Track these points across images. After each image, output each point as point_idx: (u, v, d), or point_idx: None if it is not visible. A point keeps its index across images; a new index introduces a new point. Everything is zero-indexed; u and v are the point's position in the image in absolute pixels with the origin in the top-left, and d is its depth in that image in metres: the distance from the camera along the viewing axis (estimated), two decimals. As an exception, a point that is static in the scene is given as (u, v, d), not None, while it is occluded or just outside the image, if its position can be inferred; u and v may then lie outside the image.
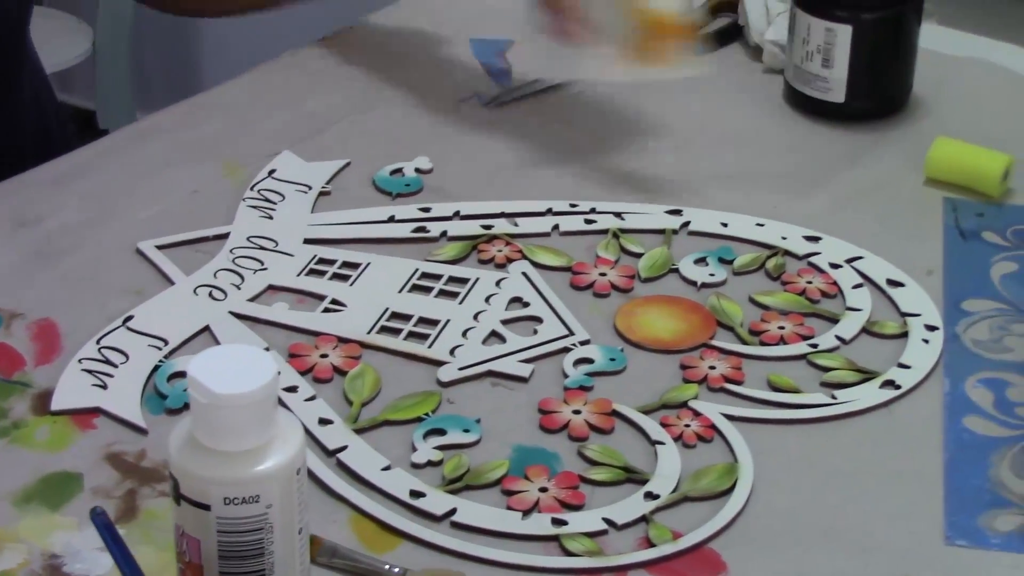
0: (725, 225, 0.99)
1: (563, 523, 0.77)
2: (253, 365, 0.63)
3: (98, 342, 0.87)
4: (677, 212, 1.00)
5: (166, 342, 0.87)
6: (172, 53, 2.10)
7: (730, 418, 0.83)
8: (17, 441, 0.81)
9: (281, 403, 0.82)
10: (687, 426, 0.83)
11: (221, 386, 0.62)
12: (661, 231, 0.98)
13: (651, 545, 0.76)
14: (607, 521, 0.77)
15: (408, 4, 1.25)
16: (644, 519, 0.77)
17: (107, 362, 0.86)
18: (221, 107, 1.11)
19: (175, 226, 0.97)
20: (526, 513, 0.77)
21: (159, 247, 0.95)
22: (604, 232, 0.98)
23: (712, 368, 0.87)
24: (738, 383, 0.86)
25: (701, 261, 0.96)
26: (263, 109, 1.11)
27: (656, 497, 0.78)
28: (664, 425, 0.83)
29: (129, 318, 0.89)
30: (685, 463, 0.80)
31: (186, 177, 1.03)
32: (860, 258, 0.96)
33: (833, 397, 0.85)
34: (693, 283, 0.94)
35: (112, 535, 0.63)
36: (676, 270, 0.95)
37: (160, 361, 0.86)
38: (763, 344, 0.89)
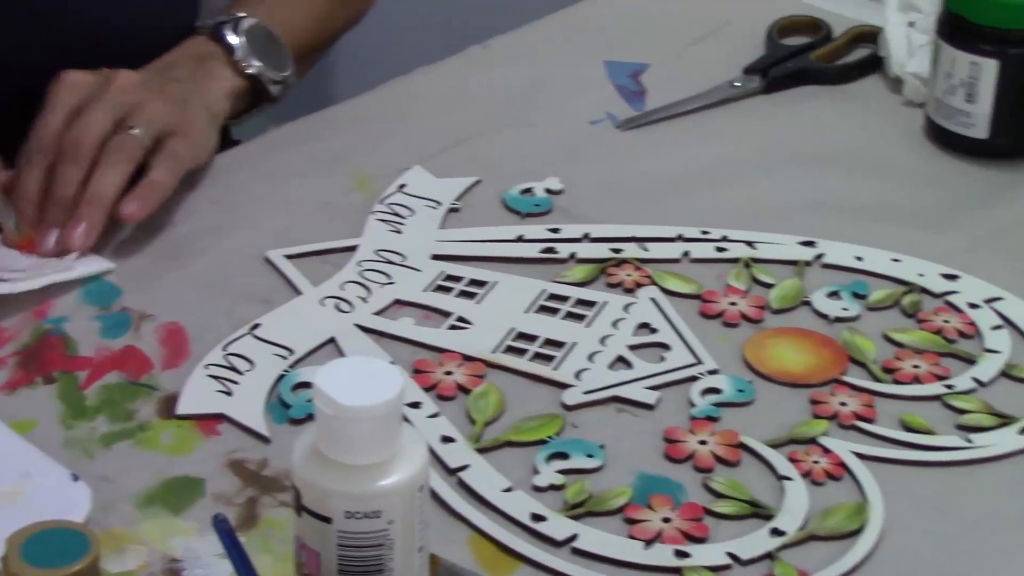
0: (860, 259, 0.97)
1: (686, 555, 0.75)
2: (380, 378, 0.63)
3: (224, 348, 0.87)
4: (811, 244, 0.98)
5: (291, 352, 0.87)
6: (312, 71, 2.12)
7: (861, 457, 0.81)
8: (142, 443, 0.81)
9: (404, 419, 0.82)
10: (816, 462, 0.81)
11: (347, 398, 0.61)
12: (794, 262, 0.96)
13: (775, 583, 0.74)
14: (731, 556, 0.75)
15: (543, 25, 1.25)
16: (769, 556, 0.76)
17: (233, 369, 0.86)
18: (353, 120, 1.11)
19: (304, 236, 0.97)
20: (648, 543, 0.76)
21: (287, 256, 0.95)
22: (735, 261, 0.96)
23: (843, 404, 0.85)
24: (870, 421, 0.84)
25: (834, 295, 0.94)
26: (395, 123, 1.11)
27: (782, 534, 0.77)
28: (792, 460, 0.81)
29: (256, 326, 0.89)
30: (813, 500, 0.79)
31: (316, 188, 1.03)
32: (1000, 299, 0.93)
33: (968, 441, 0.82)
34: (825, 316, 0.92)
35: (233, 542, 0.63)
36: (808, 303, 0.93)
37: (285, 370, 0.86)
38: (896, 383, 0.87)
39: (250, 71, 1.04)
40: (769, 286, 0.94)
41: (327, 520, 0.63)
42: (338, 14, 1.18)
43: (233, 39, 1.05)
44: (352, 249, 0.97)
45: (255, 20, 1.06)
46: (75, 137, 0.93)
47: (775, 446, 0.82)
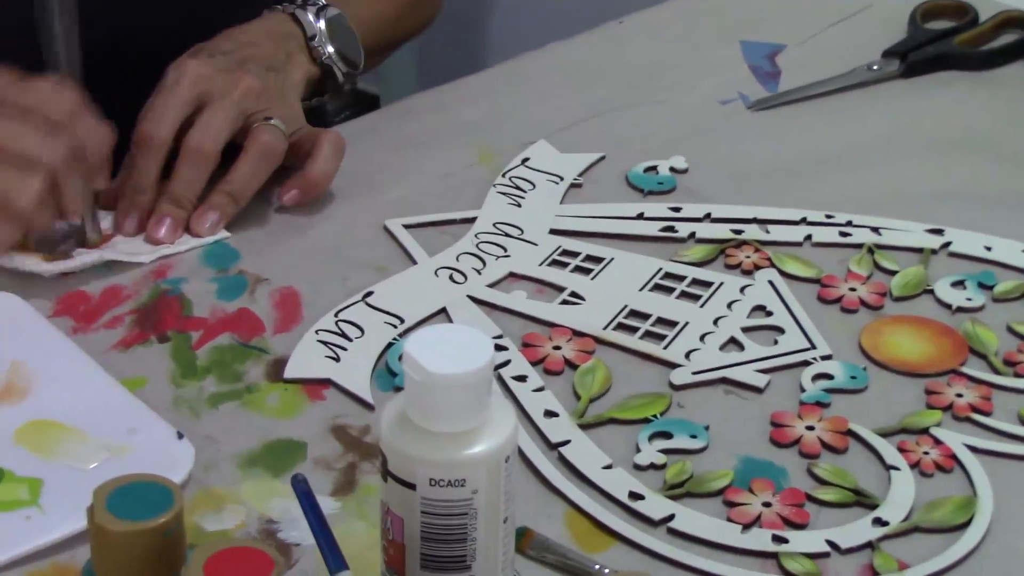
0: (989, 249, 0.94)
1: (784, 541, 0.74)
2: (471, 347, 0.62)
3: (336, 315, 0.88)
4: (938, 231, 0.95)
5: (402, 320, 0.87)
6: (457, 39, 2.12)
7: (973, 450, 0.79)
8: (248, 405, 0.82)
9: (508, 391, 0.82)
10: (926, 453, 0.79)
11: (436, 365, 0.61)
12: (919, 250, 0.94)
13: (875, 574, 0.72)
14: (831, 544, 0.74)
15: (680, 3, 1.23)
16: (870, 545, 0.74)
17: (343, 335, 0.86)
18: (483, 93, 1.11)
19: (424, 206, 0.98)
20: (746, 527, 0.75)
21: (406, 226, 0.96)
22: (859, 246, 0.94)
23: (959, 396, 0.82)
24: (986, 414, 0.81)
25: (959, 284, 0.91)
26: (524, 97, 1.10)
27: (885, 524, 0.75)
28: (901, 450, 0.79)
29: (369, 294, 0.89)
30: (920, 492, 0.77)
31: (441, 159, 1.03)
32: None
33: (1087, 438, 0.80)
34: (948, 306, 0.90)
35: (311, 503, 0.63)
36: (931, 291, 0.91)
37: (394, 339, 0.86)
38: (1017, 376, 0.84)
39: (325, 59, 1.04)
40: (892, 273, 0.92)
41: (411, 487, 0.62)
42: (405, 22, 1.18)
43: (314, 24, 1.04)
44: (471, 221, 0.96)
45: (337, 10, 1.05)
46: (199, 141, 0.93)
47: (885, 435, 0.80)
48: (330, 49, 1.04)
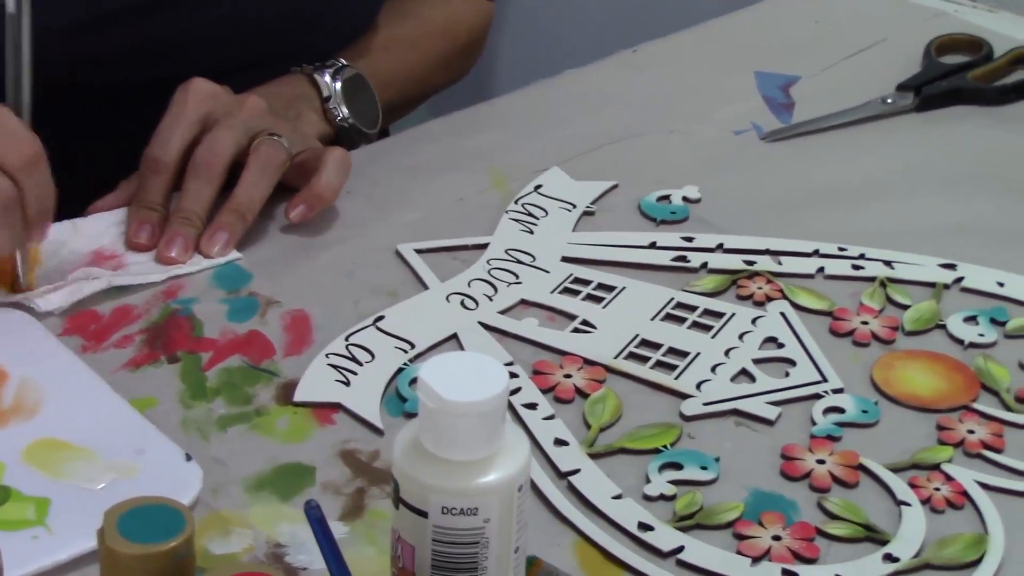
0: (1002, 284, 0.94)
1: (794, 575, 0.74)
2: (485, 374, 0.62)
3: (347, 339, 0.87)
4: (951, 266, 0.95)
5: (413, 345, 0.87)
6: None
7: (985, 487, 0.79)
8: (257, 428, 0.82)
9: (518, 419, 0.82)
10: (937, 489, 0.78)
11: (450, 392, 0.61)
12: (932, 284, 0.94)
13: (885, 610, 0.72)
14: (840, 579, 0.74)
15: (694, 33, 1.23)
16: (880, 582, 0.74)
17: (353, 359, 0.86)
18: (496, 119, 1.11)
19: (436, 232, 0.97)
20: (756, 560, 0.74)
21: (418, 251, 0.95)
22: (871, 280, 0.94)
23: (971, 432, 0.82)
24: (997, 451, 0.81)
25: (971, 320, 0.91)
26: (538, 124, 1.10)
27: (896, 560, 0.74)
28: (912, 486, 0.79)
29: (380, 318, 0.89)
30: (931, 528, 0.76)
31: (454, 184, 1.03)
32: None
33: (1100, 477, 0.79)
34: (960, 341, 0.89)
35: (323, 529, 0.63)
36: (943, 326, 0.90)
37: (405, 364, 0.86)
38: (1029, 413, 0.84)
39: (339, 120, 1.04)
40: (904, 307, 0.92)
41: (423, 514, 0.62)
42: (436, 79, 1.18)
43: (329, 85, 1.04)
44: (483, 247, 0.96)
45: (355, 70, 1.06)
46: (206, 156, 0.93)
47: (896, 470, 0.80)
48: (345, 110, 1.04)
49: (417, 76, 1.14)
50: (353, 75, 1.05)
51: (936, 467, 0.80)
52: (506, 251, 0.96)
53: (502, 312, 0.91)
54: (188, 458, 0.77)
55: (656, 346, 0.88)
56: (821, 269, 0.95)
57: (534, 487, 0.78)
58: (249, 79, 1.01)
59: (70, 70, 0.98)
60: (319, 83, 1.04)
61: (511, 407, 0.83)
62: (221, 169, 0.93)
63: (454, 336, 0.88)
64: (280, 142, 0.95)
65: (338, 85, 1.04)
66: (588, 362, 0.87)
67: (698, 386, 0.85)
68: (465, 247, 0.96)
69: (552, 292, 0.92)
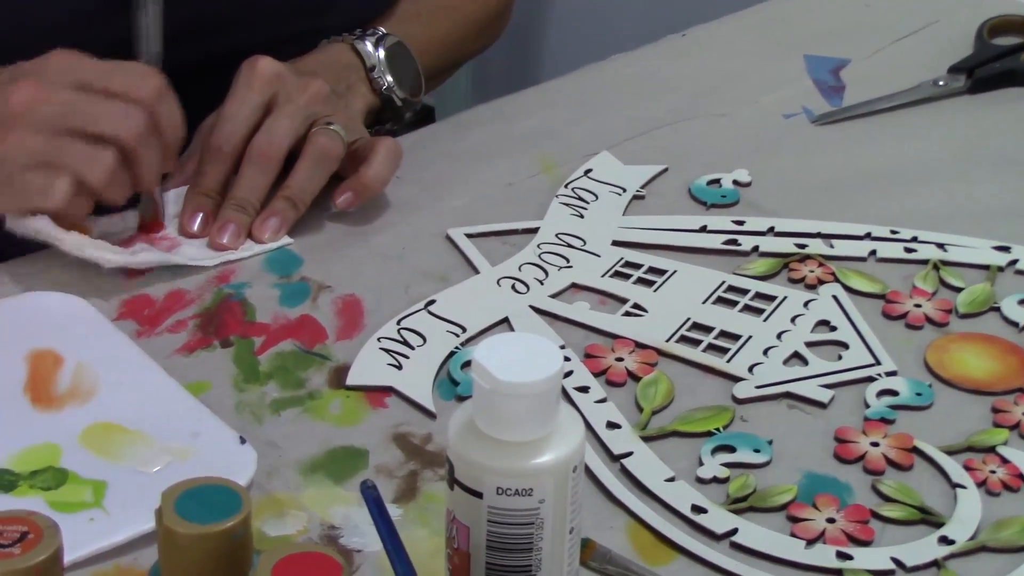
0: (1056, 267, 0.93)
1: (848, 557, 0.73)
2: (540, 356, 0.62)
3: (399, 323, 0.88)
4: (1005, 249, 0.95)
5: (464, 329, 0.87)
6: (513, 50, 2.12)
7: (1041, 469, 0.78)
8: (310, 412, 0.82)
9: (571, 402, 0.82)
10: (993, 472, 0.78)
11: (505, 374, 0.61)
12: (986, 267, 0.93)
13: (940, 592, 0.72)
14: (896, 561, 0.73)
15: (743, 17, 1.23)
16: (936, 564, 0.73)
17: (405, 343, 0.86)
18: (545, 104, 1.11)
19: (487, 216, 0.97)
20: (810, 542, 0.74)
21: (468, 235, 0.95)
22: (924, 262, 0.94)
23: (1026, 414, 0.82)
24: (1053, 433, 0.81)
25: (1026, 302, 0.90)
26: (587, 109, 1.10)
27: (951, 543, 0.74)
28: (968, 468, 0.78)
29: (431, 302, 0.89)
30: (986, 511, 0.76)
31: (503, 169, 1.03)
32: None
33: None
34: (1015, 324, 0.89)
35: (380, 510, 0.63)
36: (997, 309, 0.90)
37: (456, 348, 0.86)
38: (1085, 395, 0.83)
39: (385, 89, 1.03)
40: (958, 290, 0.91)
41: (478, 495, 0.62)
42: (470, 44, 1.17)
43: (373, 54, 1.03)
44: (533, 231, 0.96)
45: (396, 38, 1.05)
46: (264, 147, 0.93)
47: (951, 453, 0.79)
48: (389, 79, 1.04)
49: (452, 41, 1.14)
50: (395, 42, 1.05)
51: (991, 449, 0.79)
52: (556, 235, 0.96)
53: (553, 296, 0.91)
54: (242, 441, 0.78)
55: (708, 329, 0.88)
56: (873, 252, 0.94)
57: (587, 470, 0.78)
58: (287, 54, 1.01)
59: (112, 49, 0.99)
60: (362, 52, 1.04)
61: (563, 390, 0.83)
62: (278, 159, 0.94)
63: (505, 320, 0.88)
64: (337, 132, 0.95)
65: (381, 53, 1.04)
66: (640, 345, 0.86)
67: (750, 369, 0.85)
68: (515, 231, 0.96)
69: (603, 276, 0.92)
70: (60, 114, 0.86)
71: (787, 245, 0.95)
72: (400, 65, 1.05)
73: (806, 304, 0.90)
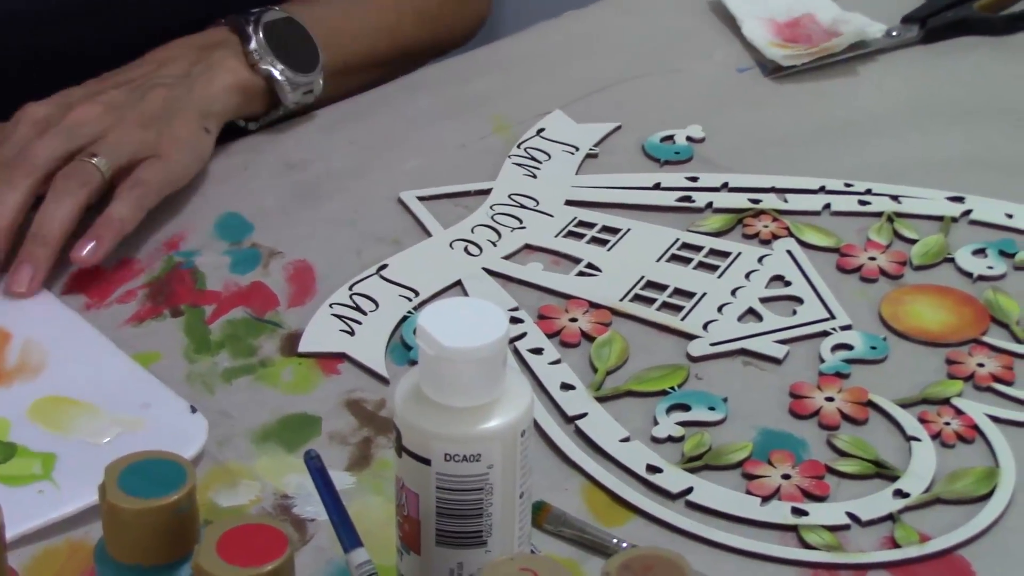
0: (1010, 216, 0.93)
1: (804, 513, 0.73)
2: (485, 320, 0.61)
3: (351, 288, 0.87)
4: (959, 199, 0.94)
5: (417, 293, 0.87)
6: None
7: (995, 420, 0.78)
8: (262, 379, 0.81)
9: (524, 364, 0.81)
10: (947, 424, 0.78)
11: (450, 339, 0.60)
12: (940, 218, 0.93)
13: (896, 546, 0.72)
14: (851, 516, 0.73)
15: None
16: (891, 517, 0.73)
17: (357, 308, 0.85)
18: (496, 64, 1.10)
19: (439, 179, 0.97)
20: (766, 499, 0.74)
21: (420, 198, 0.95)
22: (878, 215, 0.93)
23: (980, 365, 0.82)
24: (1008, 383, 0.81)
25: (980, 252, 0.90)
26: (539, 68, 1.09)
27: (906, 496, 0.74)
28: (922, 421, 0.78)
29: (383, 267, 0.89)
30: (941, 463, 0.76)
31: (454, 131, 1.02)
32: None
33: (1111, 407, 0.79)
34: (969, 275, 0.89)
35: (324, 480, 0.62)
36: (951, 260, 0.90)
37: (409, 312, 0.85)
38: (1039, 345, 0.83)
39: (263, 67, 0.98)
40: (912, 242, 0.91)
41: (426, 462, 0.62)
42: (415, 30, 1.10)
43: (250, 31, 0.98)
44: (486, 192, 0.96)
45: (283, 15, 1.00)
46: (15, 160, 0.87)
47: (906, 406, 0.79)
48: (269, 58, 0.98)
49: (386, 27, 1.08)
50: (279, 19, 1.00)
51: (946, 401, 0.79)
52: (509, 196, 0.95)
53: (506, 257, 0.90)
54: (193, 410, 0.77)
55: (662, 287, 0.87)
56: (827, 206, 0.94)
57: (541, 432, 0.77)
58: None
59: None
60: (240, 31, 0.99)
61: (517, 352, 0.82)
62: (30, 171, 0.87)
63: (458, 283, 0.88)
64: (86, 164, 0.88)
65: (260, 33, 0.98)
66: (594, 305, 0.86)
67: (705, 326, 0.84)
68: (468, 193, 0.96)
69: (556, 236, 0.92)
70: None
71: (741, 201, 0.94)
72: (288, 42, 0.99)
73: (760, 260, 0.89)
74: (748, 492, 0.74)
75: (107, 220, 0.87)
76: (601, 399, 0.80)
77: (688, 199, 0.95)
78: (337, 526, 0.62)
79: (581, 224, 0.93)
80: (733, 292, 0.87)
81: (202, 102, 0.95)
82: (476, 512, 0.63)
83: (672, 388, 0.80)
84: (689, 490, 0.74)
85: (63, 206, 0.86)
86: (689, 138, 1.01)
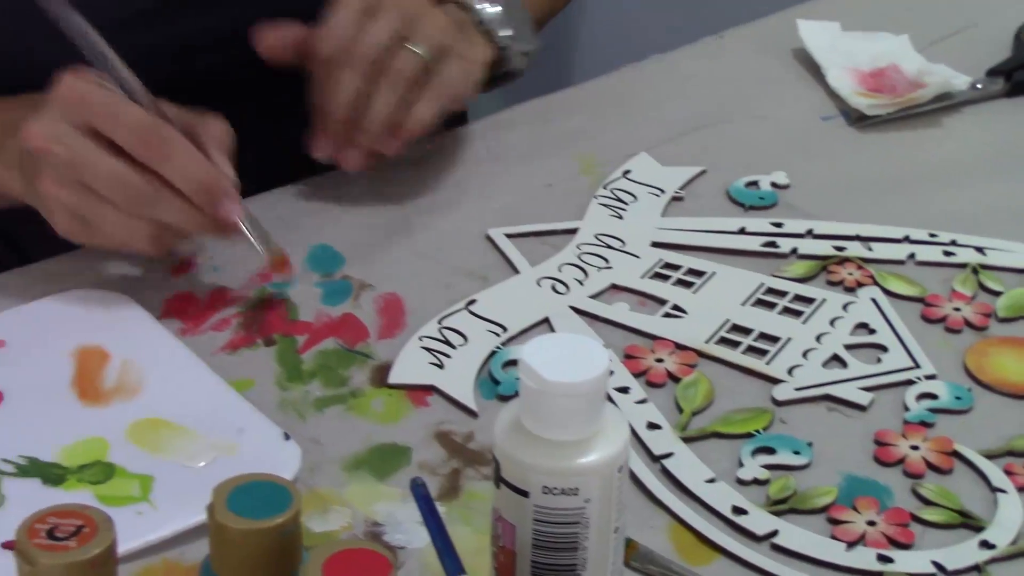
0: (1095, 271, 0.93)
1: (889, 560, 0.74)
2: (586, 356, 0.62)
3: (440, 322, 0.88)
4: (1044, 252, 0.95)
5: (505, 329, 0.88)
6: (544, 55, 2.13)
7: (1080, 473, 0.79)
8: (353, 409, 0.83)
9: (611, 403, 0.82)
10: (1032, 476, 0.78)
11: (552, 373, 0.61)
12: (1024, 271, 0.94)
13: (981, 596, 0.72)
14: (936, 565, 0.73)
15: (780, 18, 1.23)
16: (977, 568, 0.73)
17: (446, 342, 0.87)
18: (583, 104, 1.11)
19: (526, 216, 0.98)
20: (851, 545, 0.75)
21: (508, 235, 0.96)
22: (963, 266, 0.94)
23: (1066, 419, 0.82)
24: (1093, 438, 0.81)
25: (1065, 306, 0.91)
26: (625, 110, 1.11)
27: (992, 547, 0.74)
28: (1008, 473, 0.78)
29: (472, 302, 0.90)
30: (1027, 515, 0.76)
31: (542, 170, 1.03)
32: None
33: None
34: (1054, 328, 0.89)
35: (429, 507, 0.63)
36: (1037, 313, 0.90)
37: (497, 347, 0.87)
38: (1125, 400, 0.83)
39: (501, 42, 1.01)
40: (997, 294, 0.92)
41: (525, 494, 0.63)
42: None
43: (488, 8, 1.01)
44: (572, 232, 0.97)
45: None
46: (359, 48, 0.92)
47: (991, 457, 0.80)
48: (506, 31, 1.01)
49: None
50: None
51: (1031, 454, 0.80)
52: (596, 236, 0.96)
53: (593, 297, 0.91)
54: (286, 437, 0.79)
55: (747, 331, 0.88)
56: (912, 255, 0.95)
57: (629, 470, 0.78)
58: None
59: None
60: (473, 9, 1.01)
61: (604, 390, 0.83)
62: (369, 61, 0.93)
63: (546, 320, 0.89)
64: (413, 54, 0.93)
65: (498, 8, 1.01)
66: (679, 347, 0.87)
67: (790, 371, 0.85)
68: (555, 232, 0.97)
69: (642, 277, 0.93)
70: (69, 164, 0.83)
71: (826, 248, 0.95)
72: (517, 16, 1.03)
73: (845, 307, 0.90)
74: (833, 537, 0.75)
75: (413, 118, 0.94)
76: (687, 439, 0.81)
77: (773, 244, 0.96)
78: (441, 552, 0.63)
79: (667, 266, 0.94)
80: (818, 338, 0.88)
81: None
82: (572, 546, 0.64)
83: (757, 431, 0.81)
84: (775, 533, 0.75)
85: (391, 97, 0.93)
86: (774, 184, 1.02)
